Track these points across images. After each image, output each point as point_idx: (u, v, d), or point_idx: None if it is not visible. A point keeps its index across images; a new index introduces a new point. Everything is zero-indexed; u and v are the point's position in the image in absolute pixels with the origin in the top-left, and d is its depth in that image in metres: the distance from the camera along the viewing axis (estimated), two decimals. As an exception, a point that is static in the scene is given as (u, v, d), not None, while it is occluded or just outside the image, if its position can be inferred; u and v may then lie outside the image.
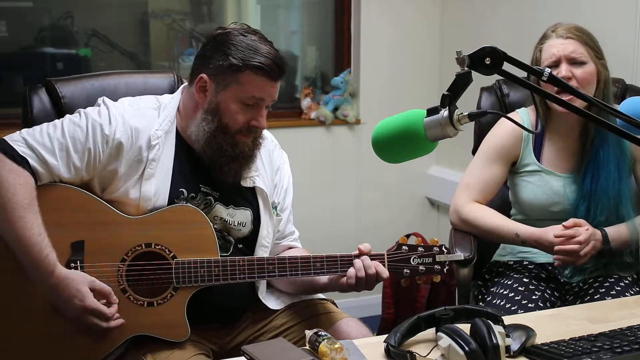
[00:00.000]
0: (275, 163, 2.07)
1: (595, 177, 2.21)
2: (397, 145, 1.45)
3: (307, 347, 1.53)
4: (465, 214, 2.31)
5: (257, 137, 1.93)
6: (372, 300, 3.77)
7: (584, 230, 2.13)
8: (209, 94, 1.86)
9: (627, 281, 2.23)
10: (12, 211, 1.69)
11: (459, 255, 1.98)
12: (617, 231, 2.20)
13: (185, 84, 1.98)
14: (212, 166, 1.90)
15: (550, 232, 2.15)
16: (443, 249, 1.92)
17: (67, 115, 1.87)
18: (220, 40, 1.87)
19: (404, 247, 1.91)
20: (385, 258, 1.89)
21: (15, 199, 1.70)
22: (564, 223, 2.14)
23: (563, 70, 2.16)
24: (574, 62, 2.18)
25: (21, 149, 1.76)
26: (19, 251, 1.70)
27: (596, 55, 2.21)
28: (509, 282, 2.24)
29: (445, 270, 1.91)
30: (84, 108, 1.91)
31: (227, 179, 1.91)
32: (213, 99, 1.86)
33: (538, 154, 2.30)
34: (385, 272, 1.86)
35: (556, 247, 2.12)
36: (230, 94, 1.85)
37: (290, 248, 2.12)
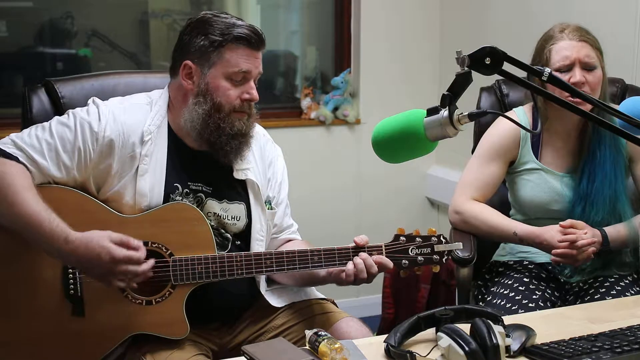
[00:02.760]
0: (268, 157, 2.07)
1: (592, 177, 2.21)
2: (397, 145, 1.45)
3: (307, 347, 1.53)
4: (464, 213, 2.31)
5: (250, 115, 1.93)
6: (372, 300, 3.78)
7: (582, 233, 2.12)
8: (196, 77, 1.88)
9: (627, 281, 2.23)
10: (15, 195, 1.70)
11: (458, 244, 1.96)
12: (616, 231, 2.20)
13: (170, 81, 1.98)
14: (212, 149, 1.90)
15: (549, 231, 2.15)
16: (441, 238, 1.91)
17: (56, 117, 1.88)
18: (195, 25, 1.89)
19: (401, 238, 1.90)
20: (383, 249, 1.89)
21: (16, 183, 1.71)
22: (561, 223, 2.14)
23: (577, 75, 2.14)
24: (586, 66, 2.16)
25: (11, 150, 1.77)
26: (31, 229, 1.70)
27: (602, 58, 2.20)
28: (509, 282, 2.24)
29: (444, 260, 1.90)
30: (81, 109, 1.91)
31: (229, 159, 1.91)
32: (201, 81, 1.87)
33: (536, 152, 2.31)
34: (389, 263, 1.85)
35: (554, 251, 2.12)
36: (217, 72, 1.86)
37: (289, 241, 2.11)
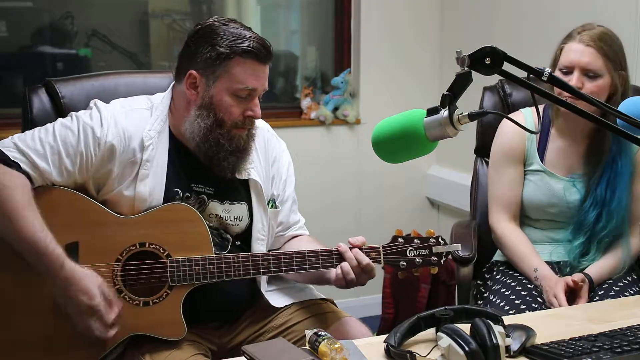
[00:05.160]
0: (272, 154, 2.06)
1: (612, 185, 2.21)
2: (397, 145, 1.44)
3: (307, 347, 1.53)
4: (498, 235, 2.34)
5: (251, 129, 1.92)
6: (372, 300, 3.78)
7: (584, 289, 2.15)
8: (200, 89, 1.86)
9: (626, 281, 2.23)
10: (12, 211, 1.69)
11: (456, 245, 1.95)
12: (599, 273, 2.21)
13: (173, 83, 1.96)
14: (209, 162, 1.89)
15: (559, 285, 2.13)
16: (440, 240, 1.91)
17: (59, 119, 1.87)
18: (203, 33, 1.86)
19: (399, 239, 1.90)
20: (381, 251, 1.88)
21: (14, 199, 1.69)
22: (572, 282, 2.13)
23: (574, 80, 2.12)
24: (587, 73, 2.14)
25: (12, 154, 1.76)
26: (25, 249, 1.70)
27: (614, 67, 2.16)
28: (509, 282, 2.25)
29: (442, 261, 1.90)
30: (84, 108, 1.91)
31: (225, 173, 1.91)
32: (205, 93, 1.85)
33: (542, 154, 2.31)
34: (373, 270, 1.86)
35: (549, 298, 2.13)
36: (222, 86, 1.84)
37: (295, 237, 2.10)
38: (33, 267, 1.71)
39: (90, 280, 1.72)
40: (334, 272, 1.90)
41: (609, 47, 2.16)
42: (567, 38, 2.22)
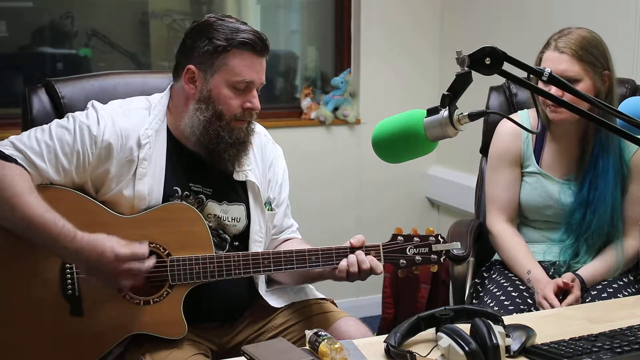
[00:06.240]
0: (269, 158, 2.07)
1: (594, 184, 2.21)
2: (397, 145, 1.44)
3: (307, 347, 1.53)
4: (493, 234, 2.34)
5: (250, 122, 1.93)
6: (372, 300, 3.78)
7: (577, 290, 2.14)
8: (199, 83, 1.87)
9: (621, 282, 2.23)
10: (15, 198, 1.70)
11: (456, 244, 1.95)
12: (592, 274, 2.21)
13: (172, 83, 1.97)
14: (209, 157, 1.90)
15: (549, 286, 2.14)
16: (439, 238, 1.91)
17: (56, 120, 1.87)
18: (199, 29, 1.88)
19: (399, 237, 1.90)
20: (381, 249, 1.88)
21: (16, 187, 1.71)
22: (560, 283, 2.14)
23: (553, 89, 2.09)
24: (566, 80, 2.14)
25: (10, 152, 1.77)
26: (34, 232, 1.70)
27: (594, 70, 2.15)
28: (503, 282, 2.25)
29: (442, 259, 1.90)
30: (84, 108, 1.91)
31: (227, 167, 1.91)
32: (204, 87, 1.86)
33: (538, 156, 2.31)
34: (379, 267, 1.85)
35: (539, 300, 2.14)
36: (220, 79, 1.85)
37: (287, 240, 2.11)
38: (47, 248, 1.72)
39: (105, 238, 1.72)
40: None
41: (585, 50, 2.14)
42: (545, 46, 2.20)
